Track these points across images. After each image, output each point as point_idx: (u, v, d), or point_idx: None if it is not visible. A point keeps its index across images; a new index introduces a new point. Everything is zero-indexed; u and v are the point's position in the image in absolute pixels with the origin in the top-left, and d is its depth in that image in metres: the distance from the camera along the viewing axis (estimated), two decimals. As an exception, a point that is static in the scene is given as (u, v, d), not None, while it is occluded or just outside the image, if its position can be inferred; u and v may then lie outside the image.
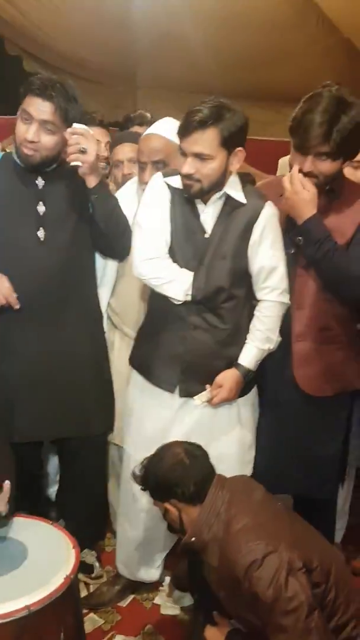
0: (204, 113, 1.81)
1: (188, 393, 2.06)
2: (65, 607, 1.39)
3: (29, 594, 1.33)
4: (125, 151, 2.55)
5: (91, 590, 2.33)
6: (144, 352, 2.15)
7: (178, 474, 1.71)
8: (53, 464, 2.57)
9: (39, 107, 1.95)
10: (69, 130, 1.95)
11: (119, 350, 2.36)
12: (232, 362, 2.03)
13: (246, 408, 2.13)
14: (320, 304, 2.05)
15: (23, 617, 1.30)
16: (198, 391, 2.05)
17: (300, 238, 2.00)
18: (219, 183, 1.92)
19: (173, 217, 1.99)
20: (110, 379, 2.33)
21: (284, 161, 2.88)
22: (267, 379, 2.12)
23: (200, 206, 1.98)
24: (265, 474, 2.15)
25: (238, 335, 2.03)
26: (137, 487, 1.90)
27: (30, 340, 2.08)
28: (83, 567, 2.36)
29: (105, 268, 2.32)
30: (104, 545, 2.59)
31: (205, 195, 1.93)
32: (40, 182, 2.07)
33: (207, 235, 1.97)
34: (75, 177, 2.02)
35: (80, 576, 2.35)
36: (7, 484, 1.59)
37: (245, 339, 2.04)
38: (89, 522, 2.40)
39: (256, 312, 2.04)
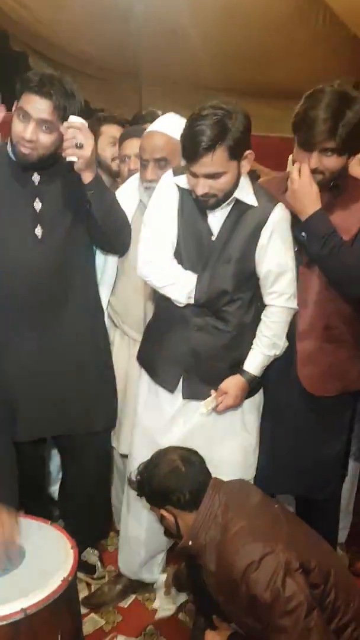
0: (208, 135, 1.75)
1: (190, 395, 2.04)
2: (62, 609, 1.37)
3: (26, 597, 1.31)
4: (134, 146, 2.52)
5: (93, 590, 2.32)
6: (149, 350, 2.14)
7: (173, 481, 1.71)
8: (55, 462, 2.55)
9: (37, 106, 1.90)
10: (65, 123, 1.90)
11: (119, 349, 2.34)
12: (236, 365, 2.01)
13: (251, 412, 2.11)
14: (324, 302, 2.02)
15: (19, 620, 1.28)
16: (200, 393, 2.03)
17: (304, 234, 1.96)
18: (233, 190, 1.89)
19: (180, 218, 1.97)
20: (113, 375, 2.31)
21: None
22: (270, 378, 2.09)
23: (207, 210, 1.94)
24: (267, 475, 2.14)
25: (242, 338, 2.01)
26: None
27: (30, 338, 2.06)
28: (85, 567, 2.37)
29: (104, 266, 2.29)
30: (106, 545, 2.58)
31: (221, 204, 1.91)
32: (36, 178, 2.04)
33: (213, 238, 1.95)
34: (72, 172, 1.99)
35: (82, 576, 2.35)
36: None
37: (250, 342, 2.01)
38: (91, 521, 2.38)
39: (263, 317, 2.01)
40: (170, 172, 2.01)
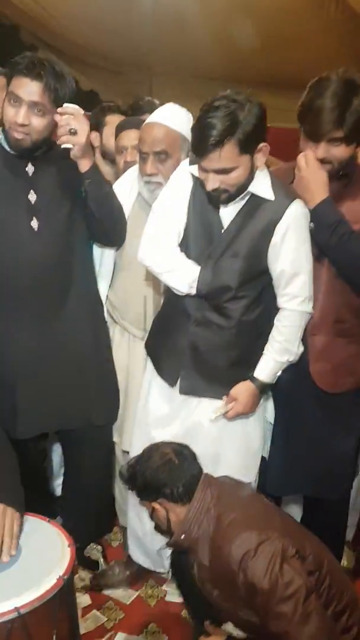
0: (218, 129, 1.68)
1: (187, 390, 2.01)
2: (58, 609, 1.34)
3: (19, 596, 1.28)
4: (131, 137, 2.48)
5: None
6: (155, 341, 2.11)
7: (167, 474, 1.69)
8: (57, 457, 2.53)
9: (27, 89, 1.86)
10: (58, 110, 1.86)
11: (119, 345, 2.30)
12: (234, 364, 1.96)
13: (252, 414, 2.04)
14: (334, 295, 1.97)
15: (11, 620, 1.25)
16: (198, 389, 2.00)
17: (311, 223, 1.90)
18: (247, 184, 1.82)
19: (191, 208, 1.91)
20: (114, 370, 2.28)
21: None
22: (281, 374, 2.02)
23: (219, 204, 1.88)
24: (277, 474, 2.10)
25: (242, 338, 1.94)
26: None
27: (29, 332, 2.02)
28: (88, 563, 2.35)
29: (101, 259, 2.25)
30: (110, 540, 2.56)
31: (234, 199, 1.84)
32: (30, 168, 2.00)
33: (223, 231, 1.89)
34: (66, 162, 1.95)
35: (84, 574, 2.33)
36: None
37: (251, 342, 1.95)
38: (94, 516, 2.36)
39: (275, 321, 1.94)
40: (186, 160, 1.95)
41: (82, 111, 1.90)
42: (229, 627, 1.72)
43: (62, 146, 1.89)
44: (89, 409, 2.16)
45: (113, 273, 2.28)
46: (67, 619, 1.41)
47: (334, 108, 1.80)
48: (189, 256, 1.93)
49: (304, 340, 1.97)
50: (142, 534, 2.19)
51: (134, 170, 2.25)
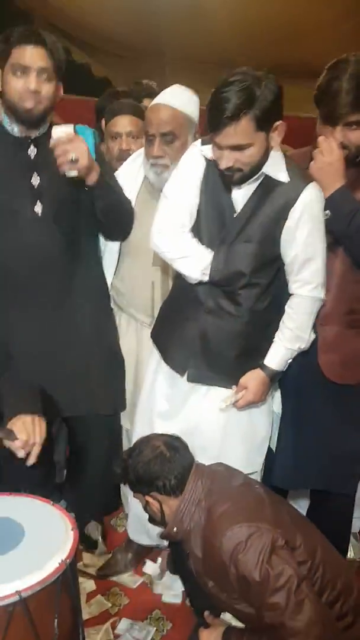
0: (233, 103, 1.63)
1: (194, 378, 1.98)
2: (60, 593, 1.34)
3: (21, 579, 1.28)
4: (125, 124, 2.44)
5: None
6: (162, 329, 2.08)
7: (158, 467, 1.69)
8: (62, 443, 2.53)
9: (33, 56, 1.86)
10: (52, 141, 1.85)
11: (126, 333, 2.29)
12: (244, 354, 1.94)
13: (259, 406, 2.03)
14: (347, 286, 1.94)
15: (13, 603, 1.25)
16: (205, 378, 1.97)
17: (327, 212, 1.85)
18: (261, 164, 1.77)
19: (204, 190, 1.87)
20: (120, 358, 2.27)
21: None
22: (291, 366, 2.00)
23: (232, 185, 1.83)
24: (284, 468, 2.08)
25: (253, 326, 1.92)
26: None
27: (34, 319, 2.01)
28: (88, 542, 2.38)
29: (106, 246, 2.23)
30: (116, 526, 2.57)
31: (248, 180, 1.79)
32: (32, 151, 1.97)
33: (235, 214, 1.85)
34: None
35: (89, 560, 2.34)
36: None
37: (261, 331, 1.92)
38: (96, 496, 2.37)
39: (287, 308, 1.91)
40: (198, 141, 1.90)
41: (72, 130, 1.87)
42: (228, 617, 1.72)
43: (67, 175, 1.87)
44: (92, 398, 2.15)
45: (118, 260, 2.26)
46: (69, 603, 1.41)
47: (350, 90, 1.76)
48: (201, 241, 1.90)
49: (314, 330, 1.95)
50: (140, 510, 2.18)
51: (139, 155, 2.22)
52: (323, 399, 2.03)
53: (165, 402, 2.06)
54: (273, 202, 1.81)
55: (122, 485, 2.47)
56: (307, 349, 1.95)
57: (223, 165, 1.74)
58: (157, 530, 1.99)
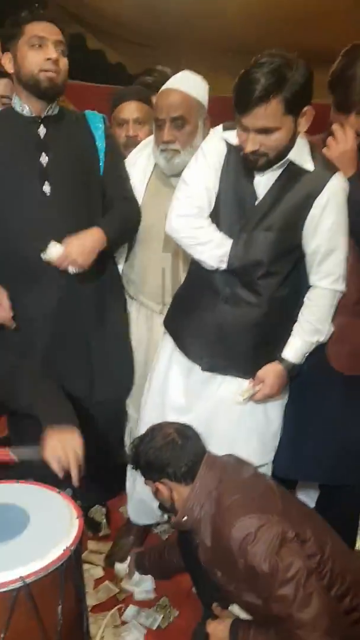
0: (263, 83, 1.60)
1: (209, 367, 1.96)
2: (64, 580, 1.34)
3: (25, 565, 1.28)
4: (132, 109, 2.41)
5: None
6: (177, 317, 2.06)
7: (170, 454, 1.70)
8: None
9: (50, 29, 1.89)
10: (45, 259, 1.93)
11: (136, 321, 2.28)
12: (260, 345, 1.91)
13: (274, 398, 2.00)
14: (357, 276, 1.91)
15: (16, 589, 1.25)
16: (220, 367, 1.95)
17: None
18: (287, 150, 1.74)
19: (224, 177, 1.83)
20: (129, 344, 2.26)
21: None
22: None
23: (255, 170, 1.80)
24: (292, 461, 2.06)
25: (271, 317, 1.89)
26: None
27: (38, 302, 2.01)
28: (91, 524, 2.41)
29: None
30: (124, 513, 2.56)
31: (272, 166, 1.76)
32: (42, 130, 1.97)
33: (257, 202, 1.81)
34: (79, 127, 1.92)
35: (95, 546, 2.35)
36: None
37: (278, 321, 1.90)
38: (100, 481, 2.36)
39: (306, 300, 1.88)
40: (220, 126, 1.87)
41: (59, 247, 1.93)
42: (235, 609, 1.72)
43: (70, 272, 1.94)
44: (94, 383, 2.15)
45: (129, 246, 2.25)
46: (73, 590, 1.41)
47: None
48: (219, 228, 1.87)
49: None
50: (140, 488, 2.16)
51: (147, 143, 2.21)
52: (330, 390, 2.01)
53: (180, 395, 2.05)
54: (297, 191, 1.77)
55: (128, 468, 2.48)
56: None
57: (248, 148, 1.70)
58: (155, 505, 2.01)
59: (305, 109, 1.69)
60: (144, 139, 2.33)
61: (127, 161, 2.24)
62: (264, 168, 1.76)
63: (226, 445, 1.93)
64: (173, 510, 1.74)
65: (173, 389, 2.07)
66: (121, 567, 2.22)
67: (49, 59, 1.88)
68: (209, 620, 1.74)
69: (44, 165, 1.97)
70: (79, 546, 1.45)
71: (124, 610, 2.09)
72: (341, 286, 1.86)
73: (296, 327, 1.90)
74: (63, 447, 1.63)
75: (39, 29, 1.89)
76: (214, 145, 1.85)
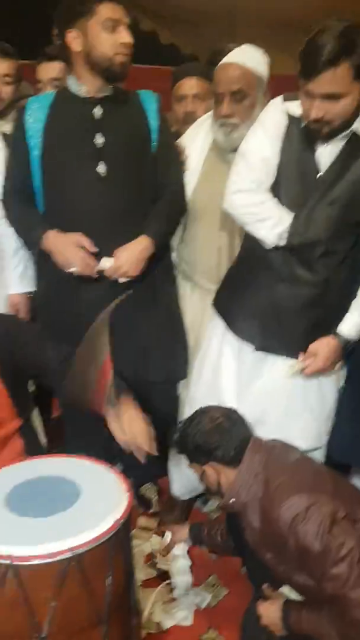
0: (331, 47, 1.55)
1: (263, 347, 1.93)
2: (113, 552, 1.36)
3: (75, 536, 1.31)
4: (192, 85, 2.39)
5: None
6: (228, 298, 2.03)
7: (218, 437, 1.70)
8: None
9: (121, 12, 1.87)
10: (97, 270, 1.97)
11: (190, 301, 2.26)
12: (316, 325, 1.86)
13: (328, 376, 1.96)
14: None
15: (67, 559, 1.28)
16: (275, 347, 1.92)
17: None
18: (352, 120, 1.69)
19: (285, 149, 1.78)
20: (182, 326, 2.25)
21: None
22: None
23: (318, 141, 1.75)
24: (349, 443, 2.00)
25: (328, 295, 1.84)
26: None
27: (92, 284, 2.02)
28: (142, 501, 2.44)
29: None
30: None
31: (336, 136, 1.70)
32: (97, 111, 1.97)
33: (319, 175, 1.75)
34: (134, 108, 1.90)
35: (143, 523, 2.37)
36: None
37: (339, 303, 1.84)
38: (151, 459, 2.38)
39: None
40: (279, 97, 1.82)
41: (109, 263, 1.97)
42: (286, 590, 1.70)
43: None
44: (144, 365, 2.15)
45: (183, 225, 2.23)
46: (122, 563, 1.43)
47: None
48: (280, 202, 1.82)
49: None
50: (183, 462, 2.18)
51: (205, 119, 2.19)
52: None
53: (232, 377, 2.03)
54: None
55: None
56: None
57: (313, 115, 1.65)
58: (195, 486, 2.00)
59: None
60: (202, 116, 2.30)
61: (185, 137, 2.22)
62: (327, 138, 1.71)
63: (279, 428, 1.90)
64: (220, 493, 1.74)
65: (225, 370, 2.05)
66: (156, 541, 2.23)
67: (123, 43, 1.88)
68: (260, 601, 1.73)
69: (99, 146, 1.97)
70: (128, 520, 1.46)
71: (174, 587, 2.10)
72: None
73: (354, 303, 1.85)
74: (130, 431, 1.65)
75: (113, 10, 1.87)
76: (274, 116, 1.81)
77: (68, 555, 1.28)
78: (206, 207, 2.12)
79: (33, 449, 1.77)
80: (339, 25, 1.58)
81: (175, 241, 2.25)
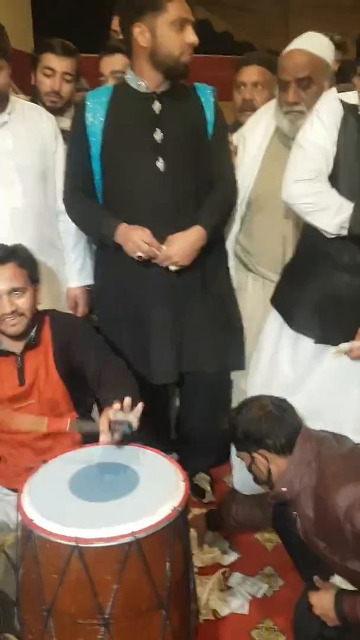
0: None
1: (323, 339, 1.91)
2: (172, 538, 1.38)
3: (135, 521, 1.34)
4: (251, 73, 2.38)
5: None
6: (287, 291, 2.01)
7: (268, 425, 1.68)
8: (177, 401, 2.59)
9: (189, 11, 1.87)
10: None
11: (253, 293, 2.25)
12: None
13: None
14: None
15: (128, 543, 1.31)
16: (335, 339, 1.88)
17: None
18: None
19: (342, 139, 1.78)
20: (237, 316, 2.25)
21: None
22: None
23: None
24: None
25: None
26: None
27: (152, 277, 2.04)
28: (197, 490, 2.45)
29: None
30: (228, 483, 2.57)
31: None
32: (157, 106, 1.97)
33: None
34: (190, 98, 1.90)
35: (197, 512, 2.39)
36: (141, 404, 1.64)
37: None
38: (205, 449, 2.41)
39: None
40: (333, 88, 1.82)
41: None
42: (337, 580, 1.69)
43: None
44: (198, 355, 2.16)
45: (246, 215, 2.22)
46: (180, 550, 1.45)
47: None
48: (339, 192, 1.80)
49: None
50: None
51: (270, 106, 2.17)
52: None
53: (289, 369, 2.02)
54: None
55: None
56: None
57: None
58: None
59: None
60: (260, 104, 2.29)
61: (245, 126, 2.21)
62: None
63: (335, 419, 1.88)
64: (269, 482, 1.72)
65: (283, 363, 2.05)
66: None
67: (190, 43, 1.88)
68: (311, 592, 1.72)
69: (158, 141, 1.98)
70: (186, 508, 1.48)
71: (229, 576, 2.12)
72: None
73: None
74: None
75: (183, 10, 1.86)
76: (329, 106, 1.79)
77: (129, 539, 1.31)
78: (270, 196, 2.10)
79: (90, 440, 1.79)
80: None
81: (232, 233, 2.24)
